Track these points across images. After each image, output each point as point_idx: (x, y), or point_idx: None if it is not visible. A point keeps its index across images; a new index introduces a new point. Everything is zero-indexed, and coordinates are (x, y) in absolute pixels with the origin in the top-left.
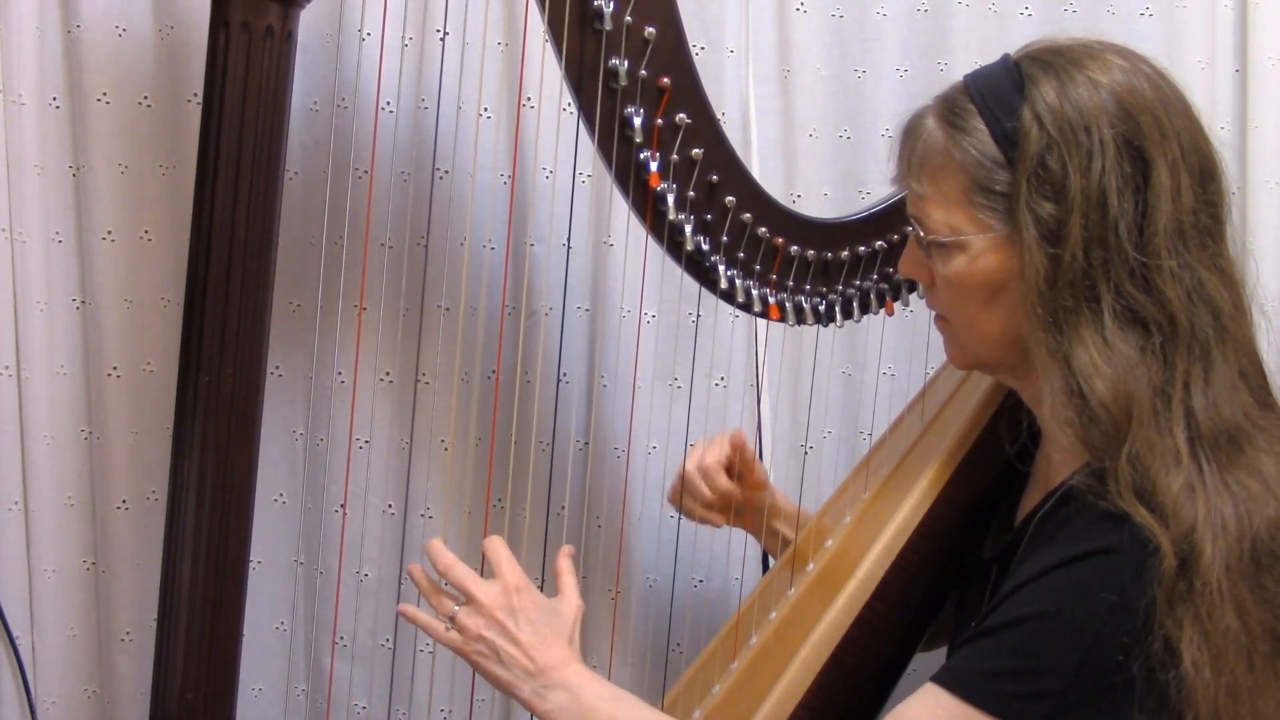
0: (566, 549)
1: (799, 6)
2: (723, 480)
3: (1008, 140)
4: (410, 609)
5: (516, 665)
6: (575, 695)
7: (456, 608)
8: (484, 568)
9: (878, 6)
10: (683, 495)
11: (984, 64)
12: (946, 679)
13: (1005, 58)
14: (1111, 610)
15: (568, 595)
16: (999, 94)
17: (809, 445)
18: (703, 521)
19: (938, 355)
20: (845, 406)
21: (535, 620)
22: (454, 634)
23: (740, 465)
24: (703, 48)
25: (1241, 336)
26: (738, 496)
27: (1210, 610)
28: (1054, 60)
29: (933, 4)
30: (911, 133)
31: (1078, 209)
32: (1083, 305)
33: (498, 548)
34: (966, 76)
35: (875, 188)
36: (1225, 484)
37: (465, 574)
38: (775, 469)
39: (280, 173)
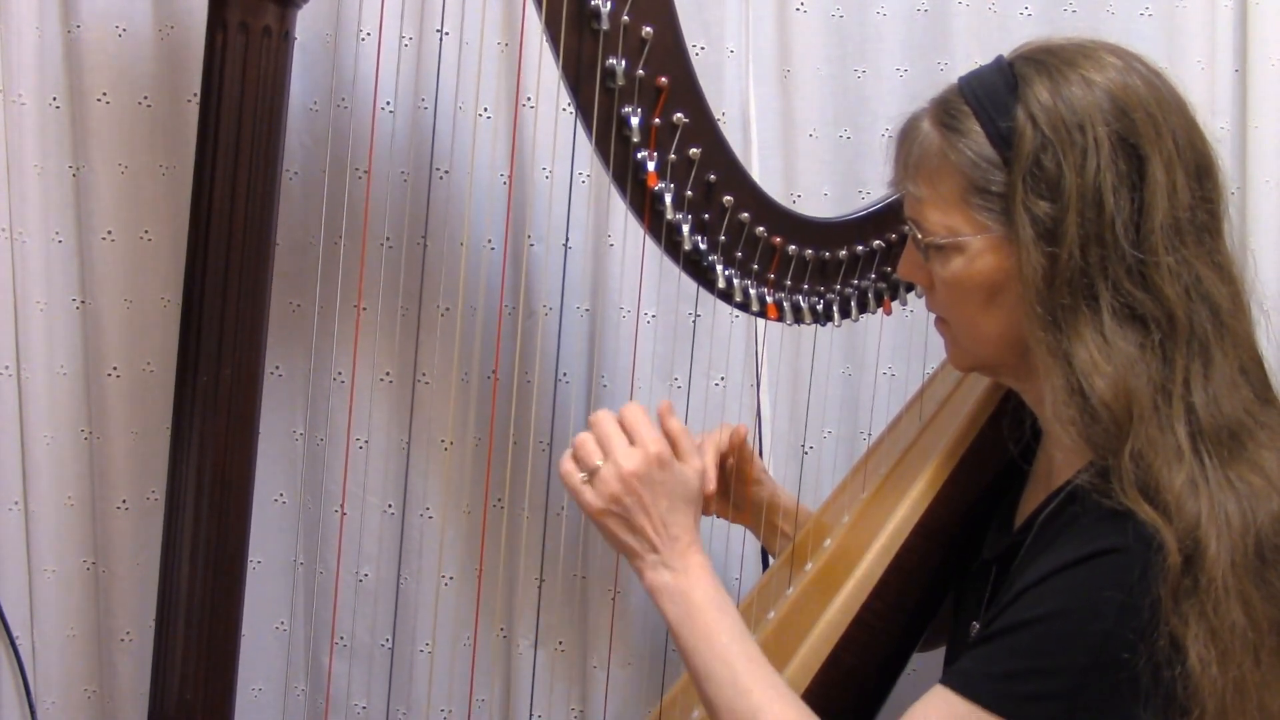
0: (666, 404)
1: (799, 6)
2: (709, 460)
3: (1003, 140)
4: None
5: (644, 537)
6: (689, 585)
7: (599, 462)
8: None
9: (878, 6)
10: None
11: (984, 64)
12: (956, 681)
13: (999, 59)
14: (1120, 610)
15: (689, 459)
16: (993, 95)
17: (808, 445)
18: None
19: (937, 355)
20: (845, 406)
21: (671, 494)
22: (590, 490)
23: (739, 461)
24: (703, 48)
25: (1241, 333)
26: (713, 490)
27: (1216, 606)
28: (1047, 60)
29: (933, 4)
30: (907, 136)
31: (1074, 207)
32: (1081, 303)
33: (639, 411)
34: (961, 79)
35: (875, 188)
36: (1228, 480)
37: (614, 431)
38: (775, 469)
39: (278, 172)
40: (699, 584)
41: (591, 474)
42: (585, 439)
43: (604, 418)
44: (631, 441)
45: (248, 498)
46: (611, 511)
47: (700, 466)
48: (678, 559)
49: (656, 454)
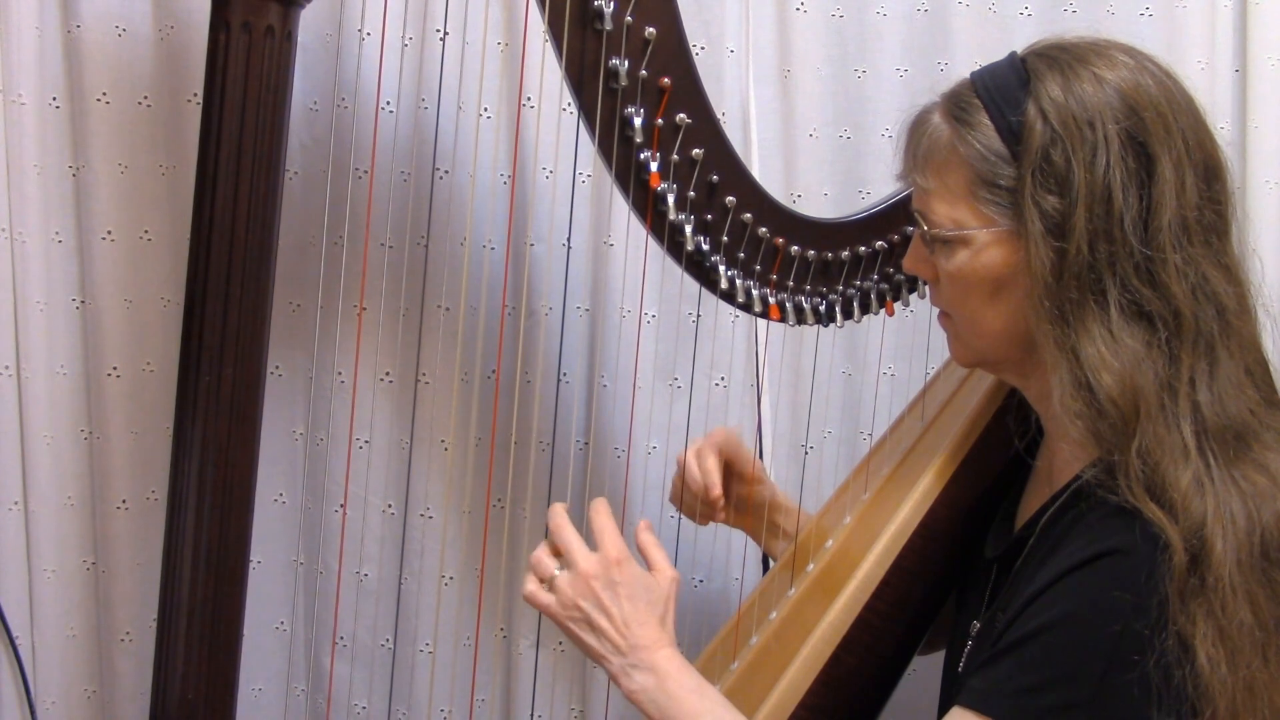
0: (644, 523)
1: (799, 6)
2: (712, 464)
3: (1012, 135)
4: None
5: (608, 639)
6: (661, 680)
7: (556, 571)
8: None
9: (878, 6)
10: (683, 493)
11: (984, 64)
12: (975, 701)
13: (1012, 55)
14: (1130, 610)
15: (661, 569)
16: (1004, 89)
17: (809, 445)
18: (704, 520)
19: (938, 355)
20: (845, 406)
21: (632, 596)
22: (550, 596)
23: (736, 463)
24: (703, 48)
25: (1247, 334)
26: (719, 494)
27: (1223, 605)
28: (1060, 56)
29: (933, 4)
30: (917, 128)
31: (1082, 202)
32: (1089, 298)
33: (604, 517)
34: (973, 73)
35: (875, 188)
36: (1233, 479)
37: (571, 537)
38: (775, 469)
39: (280, 173)
40: (671, 676)
41: (550, 582)
42: (539, 555)
43: (564, 525)
44: (594, 547)
45: (250, 498)
46: (572, 616)
47: (671, 578)
48: (645, 657)
49: (615, 557)
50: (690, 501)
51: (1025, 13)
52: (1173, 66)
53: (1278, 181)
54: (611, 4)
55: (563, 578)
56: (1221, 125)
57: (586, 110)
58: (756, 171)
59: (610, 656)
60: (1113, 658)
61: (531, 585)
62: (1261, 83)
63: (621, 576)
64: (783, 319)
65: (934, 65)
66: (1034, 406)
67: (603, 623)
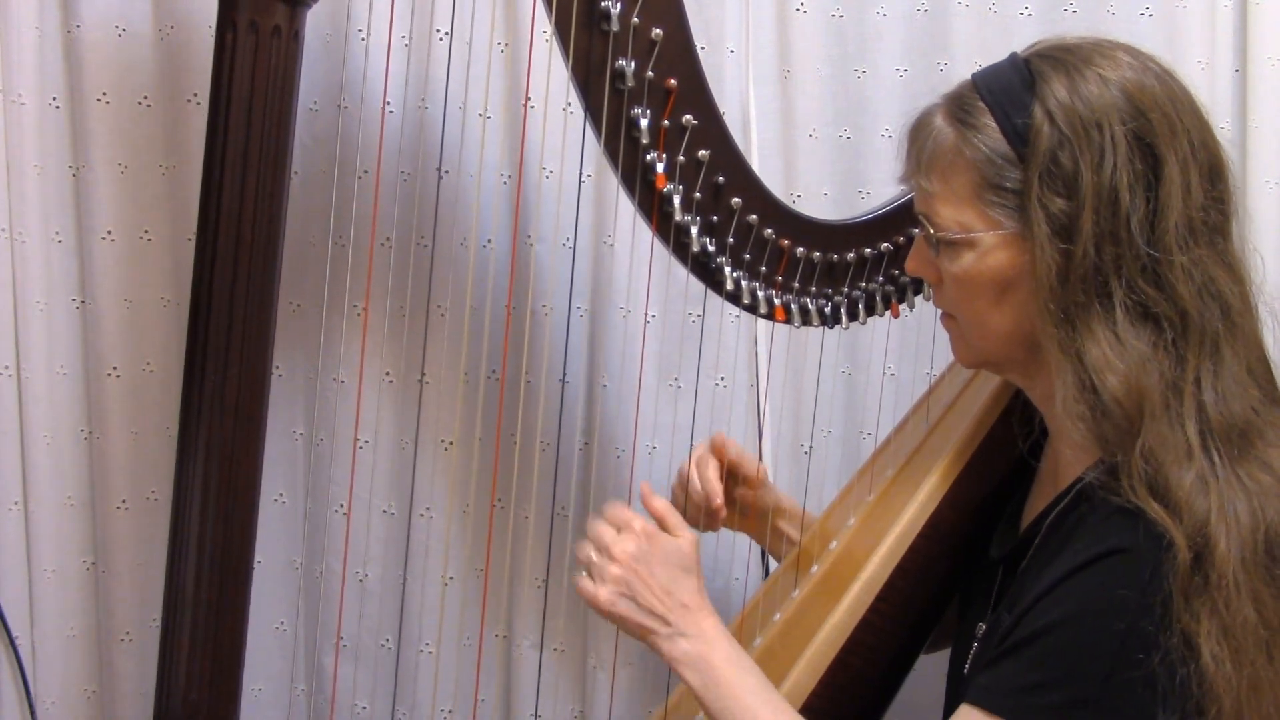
0: (645, 485)
1: (799, 6)
2: (713, 474)
3: (1019, 137)
4: None
5: (653, 611)
6: (709, 648)
7: (595, 557)
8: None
9: (878, 6)
10: (685, 503)
11: (984, 64)
12: (982, 699)
13: (1013, 56)
14: (1135, 609)
15: (680, 531)
16: (1009, 91)
17: (810, 445)
18: (706, 528)
19: (940, 355)
20: (846, 407)
21: (666, 564)
22: (587, 581)
23: (738, 468)
24: (703, 48)
25: (1249, 332)
26: (721, 503)
27: (1227, 603)
28: (1064, 57)
29: (933, 4)
30: (920, 130)
31: (1089, 205)
32: (1094, 300)
33: (617, 507)
34: (974, 75)
35: (875, 188)
36: (1237, 477)
37: (600, 529)
38: (776, 469)
39: (287, 173)
40: (717, 647)
41: (590, 569)
42: (582, 545)
43: (591, 524)
44: (619, 530)
45: (254, 499)
46: (620, 594)
47: (693, 537)
48: (691, 625)
49: (641, 529)
50: (693, 511)
51: (1025, 13)
52: (1173, 66)
53: (1278, 181)
54: (618, 5)
55: (602, 561)
56: (1222, 125)
57: (593, 111)
58: (756, 172)
59: (659, 628)
60: (1118, 656)
61: (583, 582)
62: (1261, 83)
63: (653, 548)
64: (788, 320)
65: (934, 65)
66: (1038, 407)
67: (648, 597)
